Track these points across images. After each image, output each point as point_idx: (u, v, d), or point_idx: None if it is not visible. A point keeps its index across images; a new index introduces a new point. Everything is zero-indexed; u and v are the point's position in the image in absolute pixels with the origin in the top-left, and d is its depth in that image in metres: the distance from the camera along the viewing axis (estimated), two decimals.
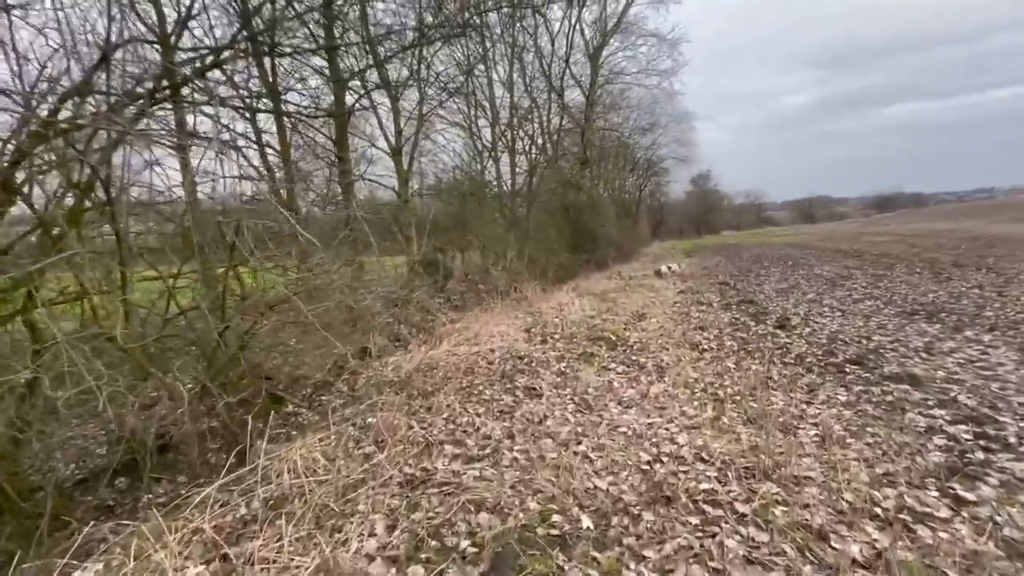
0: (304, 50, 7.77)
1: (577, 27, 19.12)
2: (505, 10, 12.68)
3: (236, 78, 6.97)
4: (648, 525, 2.18)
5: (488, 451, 3.04)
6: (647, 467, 2.68)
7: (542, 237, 15.55)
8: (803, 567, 1.87)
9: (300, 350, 5.44)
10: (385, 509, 2.50)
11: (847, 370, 4.08)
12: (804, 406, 3.39)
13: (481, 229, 13.62)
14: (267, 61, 8.65)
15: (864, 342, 4.84)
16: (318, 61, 9.17)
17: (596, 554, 2.03)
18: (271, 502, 2.72)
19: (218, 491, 2.84)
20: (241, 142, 6.59)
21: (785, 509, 2.20)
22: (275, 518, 2.52)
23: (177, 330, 4.39)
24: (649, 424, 3.24)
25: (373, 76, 10.19)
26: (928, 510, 2.16)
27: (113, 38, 3.85)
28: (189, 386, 4.38)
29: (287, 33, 7.03)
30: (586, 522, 2.23)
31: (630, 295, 9.11)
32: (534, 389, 4.16)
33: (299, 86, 8.90)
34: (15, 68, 3.43)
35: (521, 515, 2.30)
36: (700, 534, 2.09)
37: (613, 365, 4.73)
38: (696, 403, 3.56)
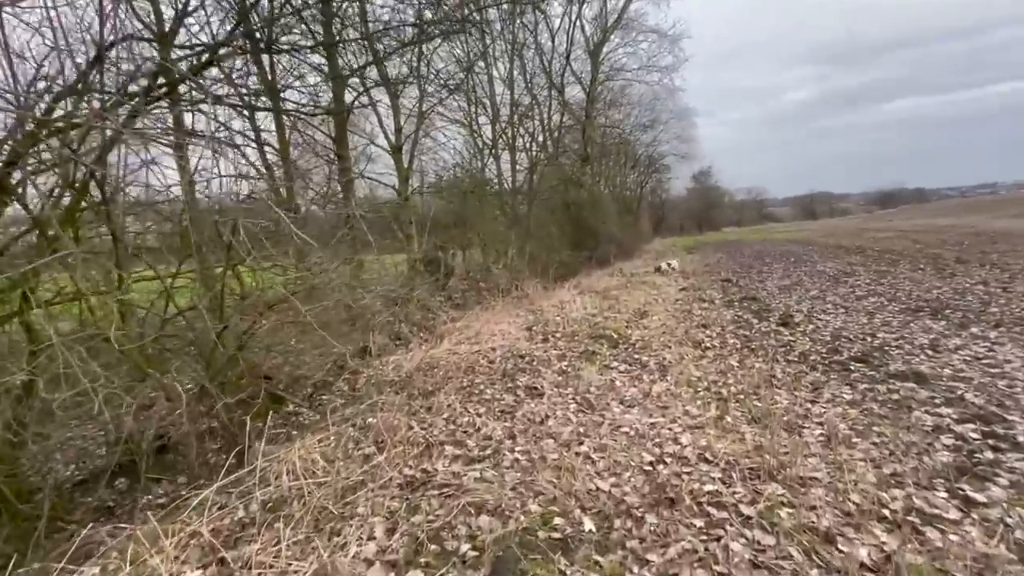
0: (302, 47, 7.72)
1: (577, 23, 19.06)
2: (505, 6, 12.59)
3: (234, 76, 6.93)
4: (651, 528, 2.14)
5: (489, 452, 3.01)
6: (650, 468, 2.64)
7: (543, 234, 15.51)
8: (810, 571, 1.83)
9: (300, 350, 5.41)
10: (384, 512, 2.46)
11: (852, 368, 4.04)
12: (809, 405, 3.35)
13: (482, 227, 13.58)
14: (266, 59, 8.61)
15: (869, 339, 4.80)
16: (317, 59, 9.13)
17: (598, 558, 1.99)
18: (269, 504, 2.69)
19: (216, 493, 2.81)
20: (240, 140, 6.55)
21: (791, 511, 2.16)
22: (273, 521, 2.49)
23: (176, 330, 4.35)
24: (652, 424, 3.20)
25: (372, 73, 10.15)
26: (937, 512, 2.12)
27: (108, 36, 3.81)
28: (189, 386, 4.36)
29: (285, 30, 6.98)
30: (588, 525, 2.19)
31: (632, 292, 9.07)
32: (535, 388, 4.13)
33: (298, 84, 8.85)
34: (9, 67, 3.38)
35: (522, 518, 2.27)
36: (704, 537, 2.05)
37: (615, 364, 4.69)
38: (699, 402, 3.52)
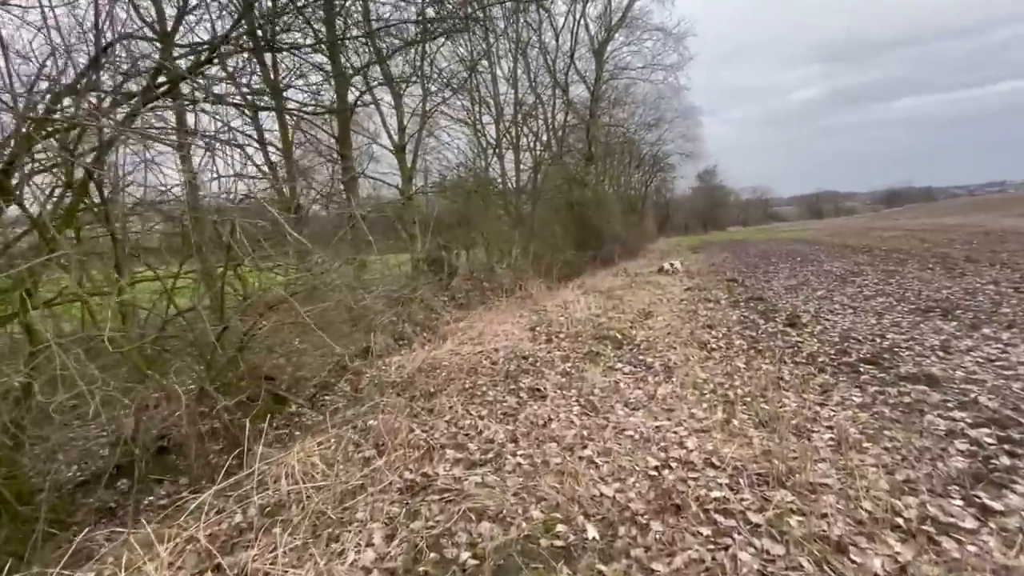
0: (304, 46, 7.68)
1: (581, 22, 18.98)
2: (508, 4, 12.53)
3: (237, 75, 6.90)
4: (657, 535, 2.08)
5: (491, 456, 2.95)
6: (655, 473, 2.58)
7: (547, 234, 15.45)
8: None
9: (302, 350, 5.38)
10: (384, 517, 2.41)
11: (861, 370, 3.96)
12: (818, 408, 3.28)
13: (486, 226, 13.54)
14: (268, 59, 8.59)
15: (878, 340, 4.71)
16: (320, 58, 9.10)
17: (602, 567, 1.94)
18: (268, 509, 2.64)
19: (215, 497, 2.77)
20: (242, 140, 6.52)
21: (801, 519, 2.10)
22: (271, 526, 2.45)
23: (176, 331, 4.33)
24: (657, 427, 3.14)
25: (376, 73, 10.11)
26: (953, 520, 2.05)
27: (106, 34, 3.78)
28: (190, 387, 4.33)
29: (287, 28, 6.94)
30: (592, 532, 2.14)
31: (636, 292, 8.99)
32: (538, 390, 4.07)
33: (301, 83, 8.82)
34: (7, 67, 3.36)
35: (524, 524, 2.21)
36: (712, 546, 1.99)
37: (619, 365, 4.63)
38: (705, 405, 3.46)
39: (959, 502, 2.16)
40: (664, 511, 2.25)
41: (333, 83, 9.06)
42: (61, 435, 3.53)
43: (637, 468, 2.64)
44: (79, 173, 3.57)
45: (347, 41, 9.19)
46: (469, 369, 4.77)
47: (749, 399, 3.50)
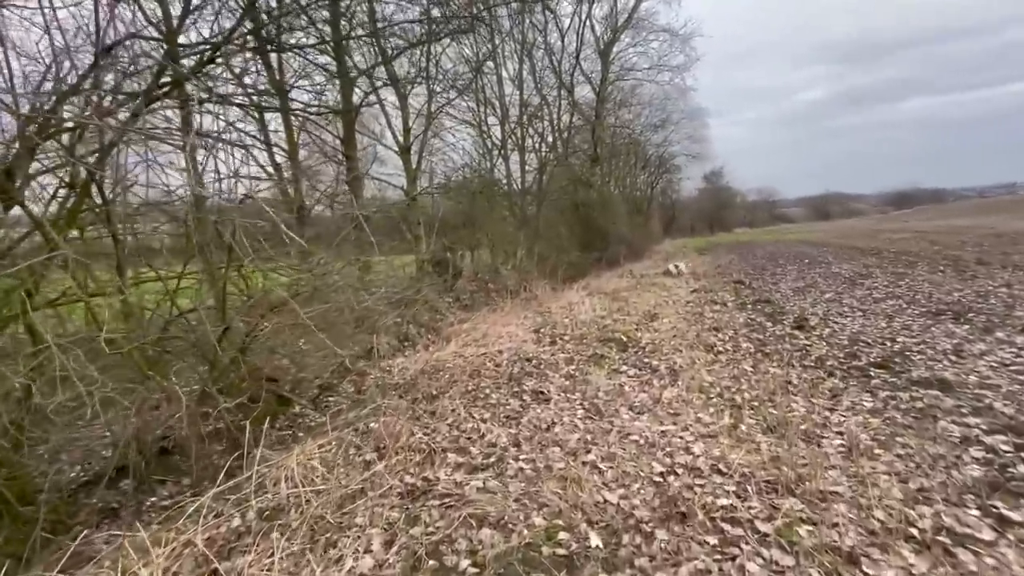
0: (309, 46, 7.68)
1: (587, 23, 18.92)
2: (514, 5, 12.50)
3: (242, 76, 6.90)
4: (662, 544, 2.02)
5: (493, 460, 2.91)
6: (660, 479, 2.52)
7: (552, 235, 15.39)
8: None
9: (306, 351, 5.36)
10: (383, 523, 2.37)
11: (872, 374, 3.88)
12: (827, 413, 3.20)
13: (491, 228, 13.49)
14: (274, 60, 8.61)
15: (888, 344, 4.63)
16: (325, 59, 9.10)
17: None
18: (266, 513, 2.61)
19: (213, 500, 2.74)
20: (248, 141, 6.51)
21: (811, 528, 2.03)
22: (270, 530, 2.41)
23: (179, 332, 4.31)
24: (662, 432, 3.08)
25: (381, 73, 10.11)
26: (969, 531, 1.98)
27: (105, 35, 3.76)
28: (195, 388, 4.31)
29: (291, 28, 6.94)
30: (595, 540, 2.08)
31: (642, 294, 8.92)
32: (542, 393, 4.02)
33: (306, 84, 8.82)
34: (8, 68, 3.35)
35: (526, 532, 2.16)
36: (719, 556, 1.93)
37: (624, 368, 4.57)
38: (712, 409, 3.39)
39: (975, 512, 2.09)
40: (669, 519, 2.19)
41: (338, 84, 9.05)
42: (62, 436, 3.50)
43: (642, 474, 2.59)
44: (82, 174, 3.56)
45: (352, 42, 9.19)
46: (472, 371, 4.73)
47: (757, 403, 3.43)
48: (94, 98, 3.64)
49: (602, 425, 3.27)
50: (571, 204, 17.10)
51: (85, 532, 2.77)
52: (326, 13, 8.07)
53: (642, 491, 2.43)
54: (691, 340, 5.33)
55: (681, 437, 2.99)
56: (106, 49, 3.71)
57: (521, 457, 2.90)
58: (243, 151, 5.15)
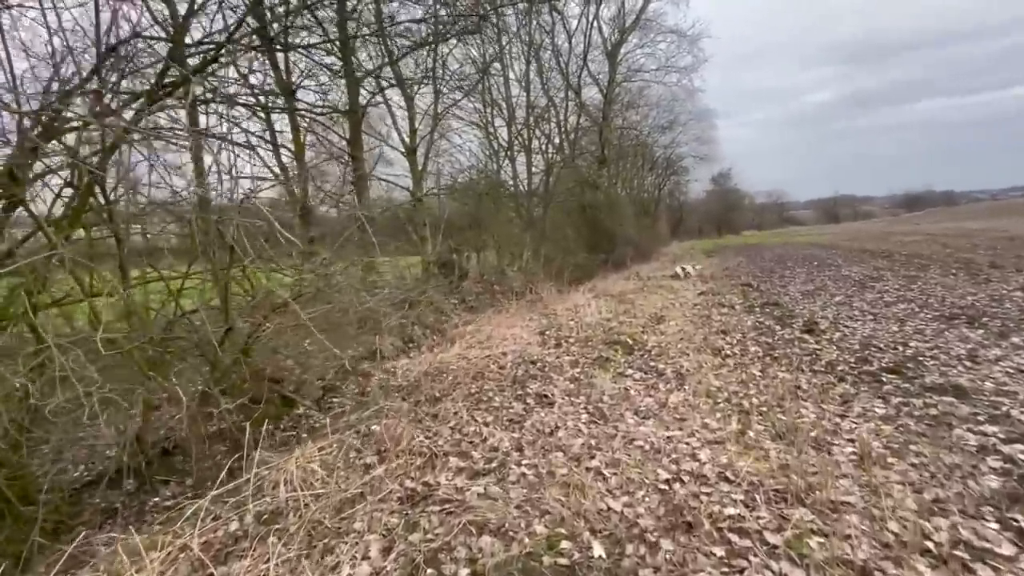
0: (313, 45, 7.67)
1: (595, 24, 18.86)
2: (521, 6, 12.47)
3: (248, 76, 6.91)
4: (667, 555, 1.96)
5: (495, 465, 2.85)
6: (665, 487, 2.46)
7: (559, 237, 15.33)
8: None
9: (310, 352, 5.33)
10: (382, 528, 2.32)
11: (884, 379, 3.79)
12: (838, 419, 3.12)
13: (497, 229, 13.45)
14: (281, 61, 8.62)
15: (900, 348, 4.53)
16: (331, 60, 9.11)
17: None
18: (264, 517, 2.57)
19: (212, 502, 2.71)
20: (253, 141, 6.51)
21: (822, 540, 1.96)
22: (267, 535, 2.37)
23: (181, 332, 4.30)
24: (668, 437, 3.01)
25: (387, 73, 10.10)
26: (988, 545, 1.90)
27: (106, 35, 3.76)
28: (199, 387, 4.30)
29: (296, 26, 6.93)
30: (598, 550, 2.02)
31: (648, 296, 8.84)
32: (546, 396, 3.96)
33: (312, 84, 8.83)
34: (10, 68, 3.35)
35: (527, 540, 2.11)
36: (726, 568, 1.87)
37: (630, 371, 4.50)
38: (719, 415, 3.32)
39: (994, 525, 2.01)
40: (675, 528, 2.13)
41: (345, 82, 9.04)
42: (63, 436, 3.49)
43: (647, 481, 2.52)
44: (85, 174, 3.55)
45: (359, 42, 9.19)
46: (476, 374, 4.68)
47: (765, 409, 3.36)
48: (98, 98, 3.63)
49: (606, 430, 3.21)
50: (578, 206, 17.03)
51: (84, 533, 2.74)
52: (333, 13, 8.08)
53: (647, 499, 2.37)
54: (698, 343, 5.25)
55: (687, 443, 2.92)
56: (110, 49, 3.70)
57: (523, 462, 2.84)
58: (248, 151, 5.15)
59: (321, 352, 5.23)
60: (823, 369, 4.16)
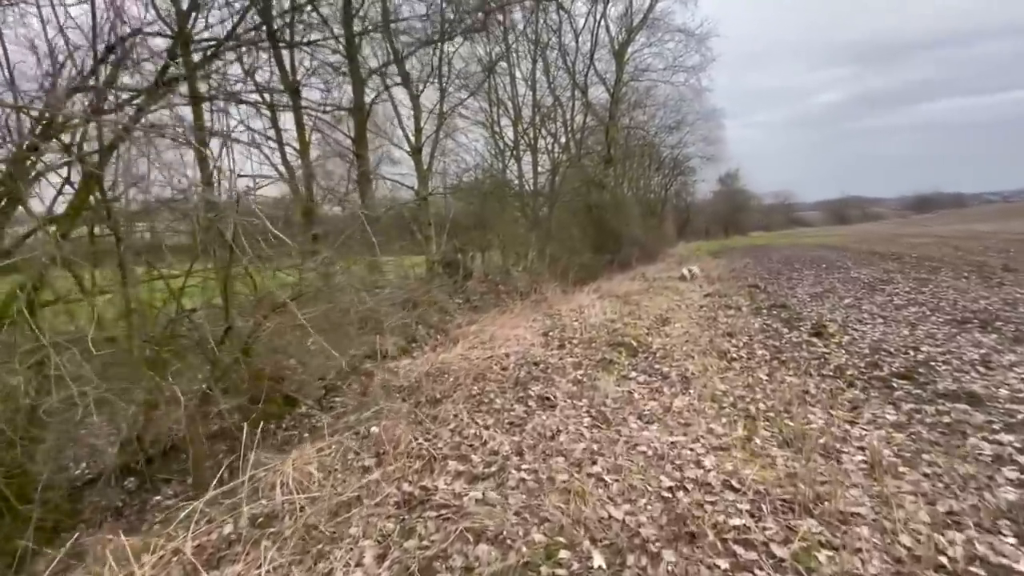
0: (316, 41, 7.64)
1: (602, 23, 18.76)
2: (528, 4, 12.40)
3: (254, 73, 6.89)
4: (669, 567, 1.90)
5: (494, 469, 2.79)
6: (669, 495, 2.39)
7: (564, 237, 15.25)
8: None
9: (313, 351, 5.30)
10: (377, 534, 2.27)
11: (894, 385, 3.70)
12: (847, 426, 3.04)
13: (502, 229, 13.39)
14: (287, 61, 8.60)
15: (912, 353, 4.43)
16: (337, 58, 9.09)
17: None
18: (259, 520, 2.53)
19: (208, 504, 2.67)
20: (253, 138, 6.48)
21: (831, 554, 1.89)
22: (261, 539, 2.33)
23: (182, 331, 4.27)
24: (672, 443, 2.94)
25: (393, 71, 10.07)
26: (1006, 561, 1.82)
27: (117, 31, 3.74)
28: (200, 387, 4.27)
29: (303, 24, 6.91)
30: (598, 560, 1.96)
31: (654, 298, 8.75)
32: (548, 399, 3.90)
33: (318, 82, 8.80)
34: (8, 68, 3.33)
35: (525, 549, 2.05)
36: None
37: (634, 374, 4.42)
38: (724, 420, 3.24)
39: (1011, 540, 1.93)
40: (678, 539, 2.06)
41: (350, 80, 9.01)
42: (61, 435, 3.46)
43: (649, 488, 2.46)
44: (85, 172, 3.53)
45: (364, 40, 9.16)
46: (478, 375, 4.62)
47: (772, 414, 3.28)
48: (98, 95, 3.61)
49: (609, 434, 3.14)
50: (584, 206, 16.94)
51: (77, 535, 2.71)
52: (337, 10, 8.04)
53: (649, 507, 2.30)
54: (704, 346, 5.17)
55: (692, 449, 2.85)
56: (111, 46, 3.68)
57: (523, 467, 2.78)
58: (251, 149, 5.12)
59: (322, 352, 5.20)
60: (832, 374, 4.07)
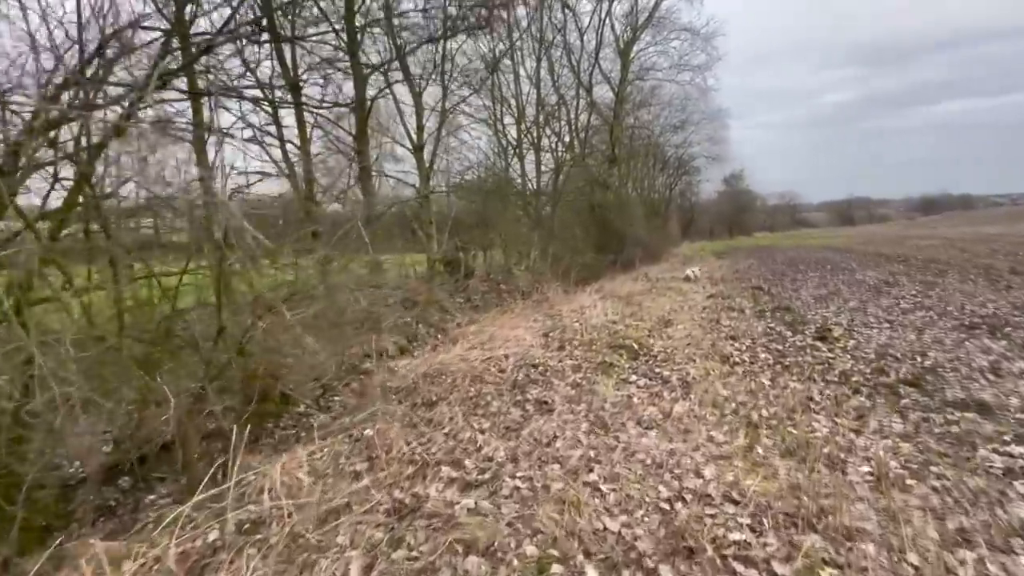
0: (316, 35, 7.56)
1: (607, 21, 18.62)
2: (531, 1, 12.31)
3: (254, 68, 6.83)
4: None
5: (488, 476, 2.72)
6: (667, 506, 2.31)
7: (567, 236, 15.17)
8: None
9: (308, 351, 5.24)
10: (365, 544, 2.20)
11: (901, 392, 3.60)
12: (852, 435, 2.95)
13: (504, 228, 13.32)
14: (288, 57, 8.53)
15: (918, 359, 4.33)
16: (339, 55, 9.01)
17: None
18: (246, 527, 2.46)
19: (194, 508, 2.61)
20: (252, 135, 6.42)
21: (835, 572, 1.81)
22: (246, 546, 2.26)
23: (176, 329, 4.22)
24: (671, 451, 2.86)
25: (395, 67, 9.99)
26: None
27: (110, 25, 3.67)
28: (193, 386, 4.21)
29: (304, 19, 6.85)
30: (591, 575, 1.89)
31: (656, 299, 8.66)
32: (546, 403, 3.82)
33: (318, 79, 8.73)
34: (6, 59, 3.27)
35: (516, 562, 1.97)
36: None
37: (634, 378, 4.34)
38: (726, 427, 3.16)
39: None
40: (675, 553, 1.98)
41: (351, 75, 8.93)
42: (45, 435, 3.40)
43: (647, 499, 2.38)
44: (76, 170, 3.47)
45: (366, 36, 9.09)
46: (475, 376, 4.55)
47: (775, 422, 3.19)
48: (90, 91, 3.54)
49: (607, 441, 3.06)
50: (587, 205, 16.85)
51: (60, 540, 2.65)
52: (340, 5, 7.97)
53: (646, 519, 2.23)
54: (706, 349, 5.08)
55: (691, 457, 2.77)
56: (105, 40, 3.62)
57: (518, 474, 2.70)
58: (250, 145, 5.06)
59: (319, 351, 5.14)
60: (837, 380, 3.97)
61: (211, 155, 4.83)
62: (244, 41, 4.90)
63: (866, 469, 2.54)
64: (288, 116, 8.95)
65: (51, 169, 3.36)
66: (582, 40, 17.50)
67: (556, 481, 2.58)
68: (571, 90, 17.27)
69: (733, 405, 3.52)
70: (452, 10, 9.38)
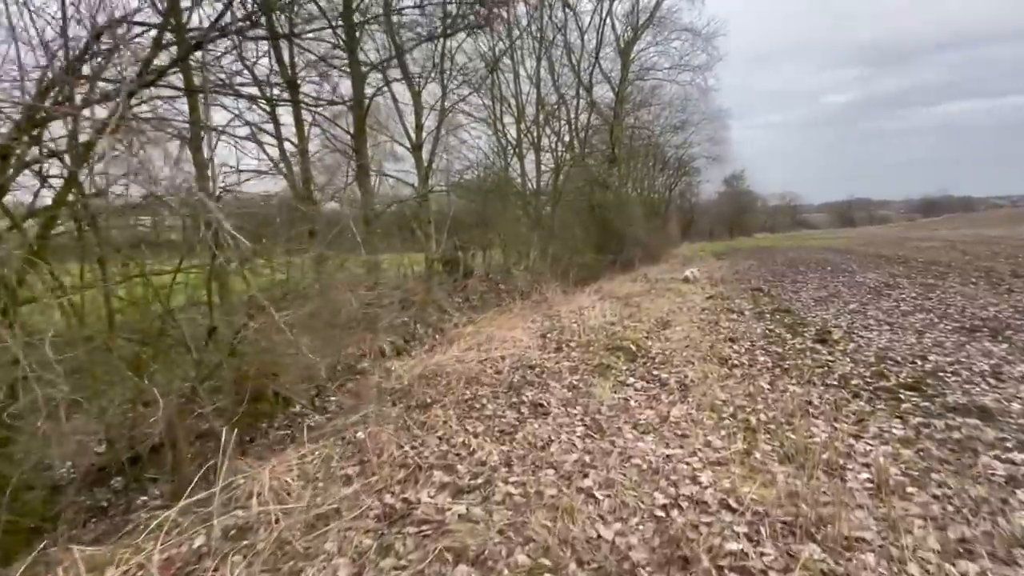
0: (312, 31, 7.50)
1: (608, 21, 18.57)
2: (532, 1, 12.25)
3: (251, 65, 6.77)
4: None
5: (480, 481, 2.67)
6: (662, 513, 2.26)
7: (567, 236, 15.11)
8: None
9: (302, 351, 5.19)
10: (353, 551, 2.15)
11: (901, 396, 3.55)
12: (852, 441, 2.90)
13: (503, 227, 13.26)
14: (286, 55, 8.47)
15: (919, 362, 4.28)
16: (338, 54, 8.96)
17: None
18: (232, 532, 2.41)
19: (181, 513, 2.56)
20: (246, 133, 6.36)
21: None
22: (232, 553, 2.22)
23: (167, 329, 4.17)
24: (667, 456, 2.81)
25: (393, 64, 9.94)
26: None
27: (102, 19, 3.62)
28: (184, 386, 4.16)
29: (301, 16, 6.79)
30: None
31: (655, 300, 8.61)
32: (541, 405, 3.77)
33: (316, 76, 8.67)
34: None
35: (506, 571, 1.92)
36: None
37: (631, 380, 4.29)
38: (723, 432, 3.11)
39: None
40: (670, 563, 1.93)
41: (349, 73, 8.87)
42: (30, 436, 3.35)
43: (642, 506, 2.33)
44: (66, 167, 3.41)
45: (365, 34, 9.03)
46: (471, 378, 4.50)
47: (773, 426, 3.14)
48: (80, 87, 3.49)
49: (602, 445, 3.01)
50: (587, 205, 16.80)
51: (44, 544, 2.60)
52: (338, 2, 7.91)
53: (641, 527, 2.18)
54: (704, 352, 5.03)
55: (688, 463, 2.72)
56: (96, 34, 3.56)
57: (511, 479, 2.65)
58: (246, 143, 5.01)
59: (313, 351, 5.09)
60: (836, 383, 3.92)
61: (206, 153, 4.81)
62: (240, 37, 4.83)
63: (866, 476, 2.49)
64: (286, 114, 8.91)
65: (39, 167, 3.30)
66: (582, 39, 17.48)
67: (550, 487, 2.53)
68: (571, 90, 17.24)
69: (731, 409, 3.47)
70: (451, 8, 9.31)
